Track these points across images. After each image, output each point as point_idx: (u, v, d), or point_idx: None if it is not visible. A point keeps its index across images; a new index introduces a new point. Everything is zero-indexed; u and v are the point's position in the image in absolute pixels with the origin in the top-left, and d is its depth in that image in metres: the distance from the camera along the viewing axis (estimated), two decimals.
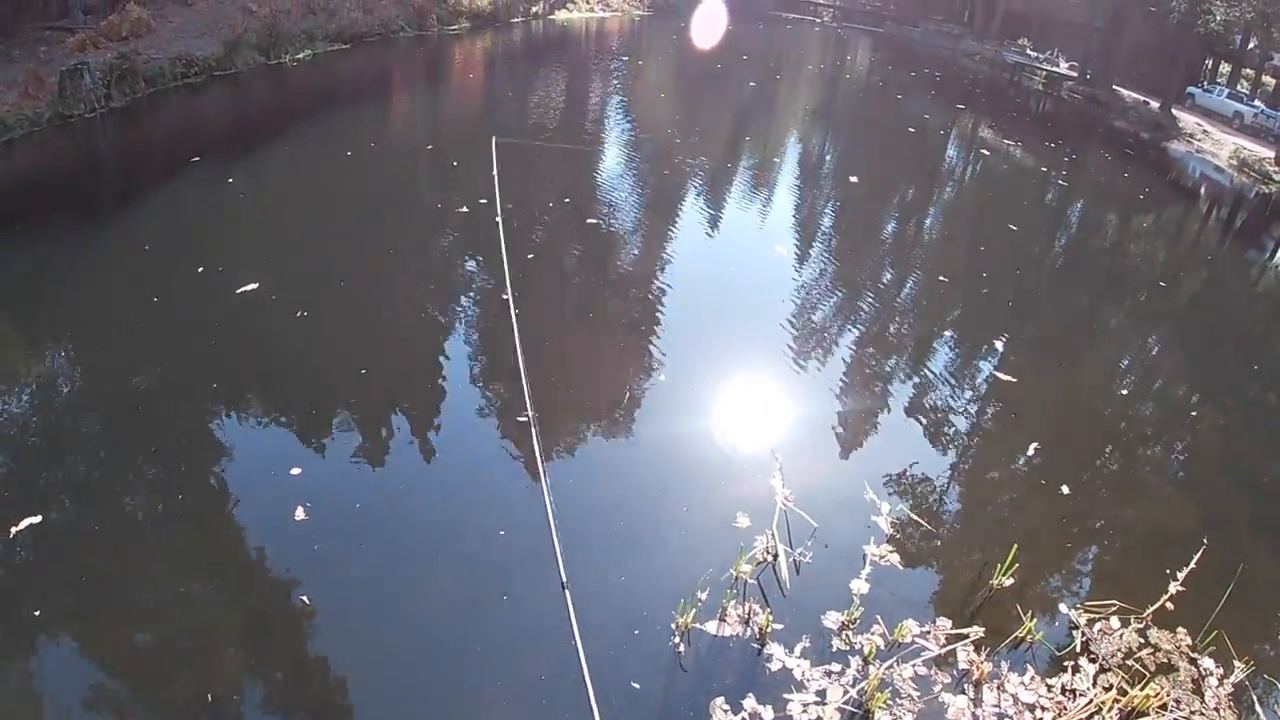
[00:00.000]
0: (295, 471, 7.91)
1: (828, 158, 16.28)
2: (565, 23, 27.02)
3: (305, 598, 6.83)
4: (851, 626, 6.17)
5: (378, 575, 7.04)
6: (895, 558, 6.76)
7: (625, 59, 21.39)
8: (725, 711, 5.78)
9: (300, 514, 7.45)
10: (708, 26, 25.83)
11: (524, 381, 8.70)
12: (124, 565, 7.40)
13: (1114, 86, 28.83)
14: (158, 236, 12.62)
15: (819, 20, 40.82)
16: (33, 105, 16.77)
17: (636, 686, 5.94)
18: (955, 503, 7.55)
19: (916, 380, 9.26)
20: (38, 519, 7.59)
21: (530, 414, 8.28)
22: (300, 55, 21.38)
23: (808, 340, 9.75)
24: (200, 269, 11.06)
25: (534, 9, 31.98)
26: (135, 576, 7.30)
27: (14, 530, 7.49)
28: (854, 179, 13.92)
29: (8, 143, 15.89)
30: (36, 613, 6.98)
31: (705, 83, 20.11)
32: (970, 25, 40.13)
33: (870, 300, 10.61)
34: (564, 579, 6.75)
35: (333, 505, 7.60)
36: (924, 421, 8.60)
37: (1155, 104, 27.45)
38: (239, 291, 10.41)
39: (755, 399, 8.74)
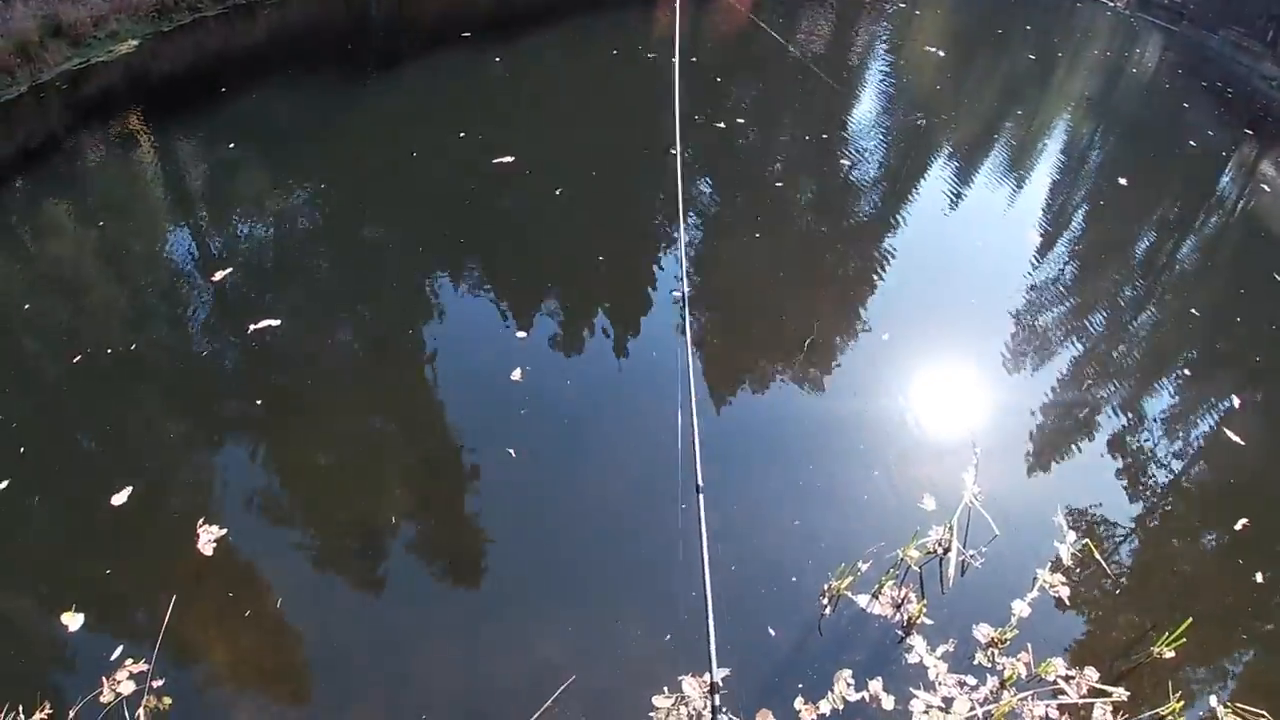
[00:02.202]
0: (521, 335, 8.21)
1: (1097, 152, 14.99)
2: None
3: (498, 453, 6.98)
4: (1000, 645, 5.87)
5: (555, 453, 7.16)
6: (1064, 590, 6.37)
7: (902, 5, 20.19)
8: (849, 685, 5.64)
9: (517, 375, 7.70)
10: None
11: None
12: (335, 388, 7.82)
13: None
14: (422, 99, 13.08)
15: (1113, 3, 37.68)
16: None
17: (772, 632, 5.81)
18: (1139, 556, 6.97)
19: (1132, 414, 8.54)
20: (276, 321, 8.19)
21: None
22: None
23: (1030, 340, 9.14)
24: (461, 134, 11.42)
25: None
26: (342, 400, 7.69)
27: (251, 328, 8.09)
28: (1123, 181, 12.79)
29: None
30: (259, 401, 7.50)
31: (982, 47, 18.81)
32: (1272, 47, 36.32)
33: (1106, 314, 9.80)
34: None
35: (547, 375, 7.90)
36: (1129, 460, 7.95)
37: None
38: (495, 161, 10.71)
39: (964, 384, 8.38)
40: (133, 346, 8.40)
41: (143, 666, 5.77)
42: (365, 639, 5.92)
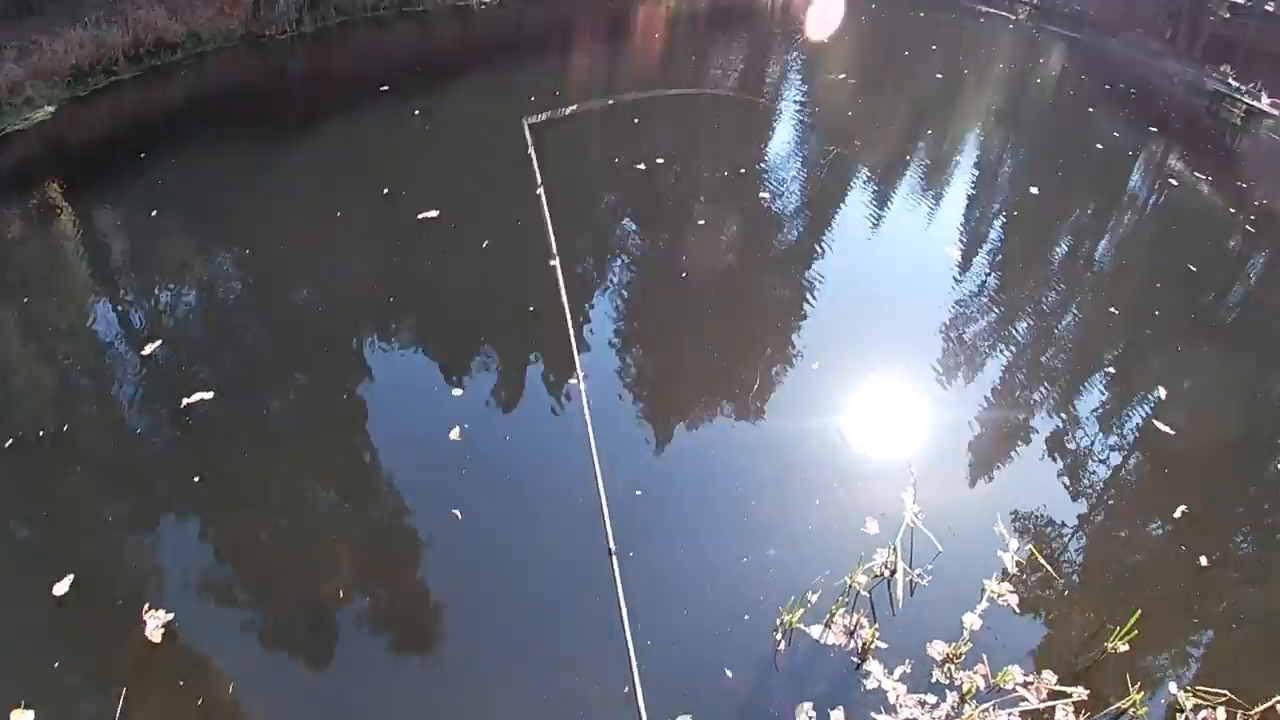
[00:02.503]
0: (456, 393, 8.14)
1: (1008, 163, 15.41)
2: None
3: (443, 516, 6.96)
4: (956, 660, 5.88)
5: (499, 513, 7.09)
6: (1013, 599, 6.41)
7: (812, 37, 20.67)
8: (810, 718, 5.57)
9: (455, 434, 7.62)
10: (896, 11, 24.80)
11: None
12: (275, 459, 7.70)
13: None
14: (344, 156, 13.02)
15: (1014, 16, 38.84)
16: (226, 22, 17.51)
17: (729, 674, 5.78)
18: (1085, 554, 7.05)
19: (1065, 415, 8.69)
20: (209, 395, 8.05)
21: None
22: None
23: (958, 354, 9.28)
24: (385, 191, 11.38)
25: None
26: (282, 472, 7.59)
27: (185, 402, 7.96)
28: (1034, 190, 13.11)
29: (200, 55, 16.58)
30: (196, 478, 7.36)
31: (891, 70, 19.29)
32: (1172, 44, 37.56)
33: (1030, 322, 10.01)
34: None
35: (485, 433, 7.82)
36: (1066, 461, 8.07)
37: None
38: (420, 217, 10.69)
39: (897, 404, 8.43)
40: (65, 427, 8.20)
41: None
42: (319, 718, 5.82)
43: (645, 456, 7.57)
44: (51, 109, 14.74)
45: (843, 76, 18.19)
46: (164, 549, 7.20)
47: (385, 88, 15.27)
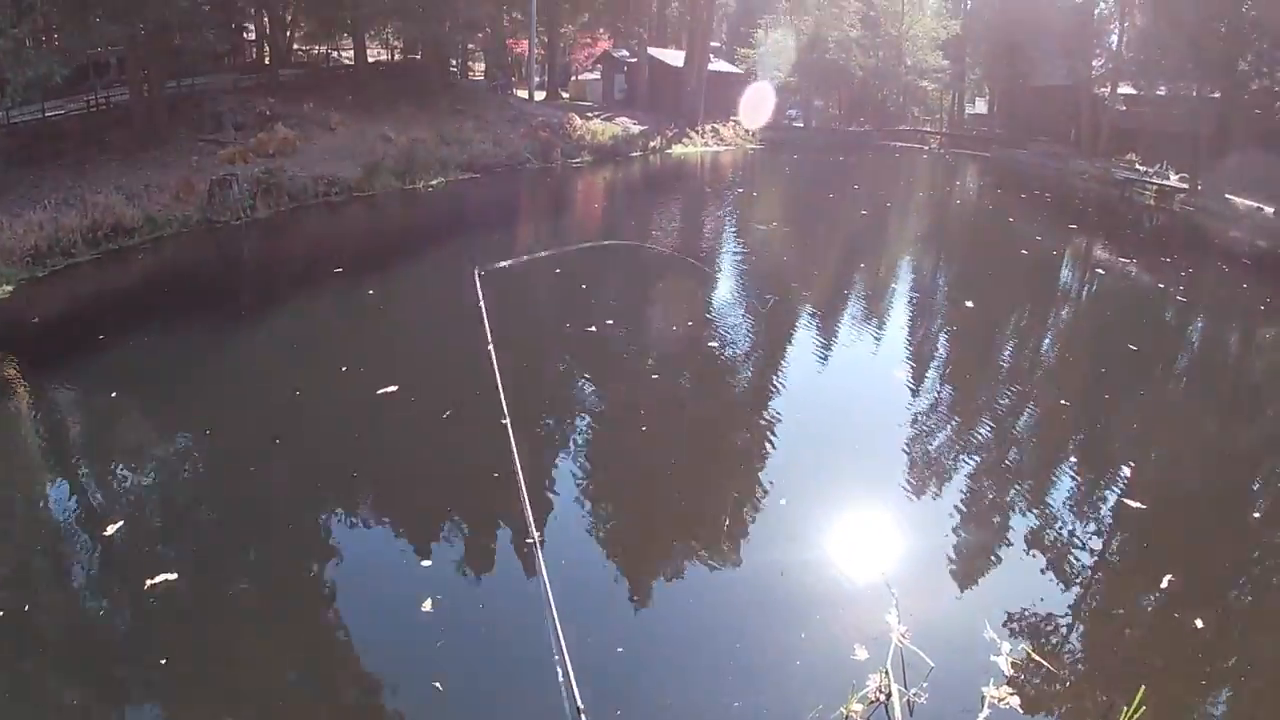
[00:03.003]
0: (426, 563, 8.13)
1: (942, 283, 15.99)
2: (681, 156, 27.69)
3: (422, 688, 6.72)
4: None
5: (480, 683, 7.01)
6: (1015, 700, 6.25)
7: (740, 190, 21.69)
8: None
9: (428, 605, 7.57)
10: (818, 158, 26.10)
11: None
12: (245, 641, 7.59)
13: (1226, 195, 27.66)
14: (301, 337, 13.26)
15: (926, 148, 40.73)
16: (182, 208, 18.20)
17: None
18: (1080, 641, 6.95)
19: (1039, 510, 8.73)
20: (174, 575, 7.97)
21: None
22: (434, 182, 22.47)
23: (924, 468, 9.37)
24: (344, 369, 11.55)
25: (651, 144, 33.02)
26: (254, 654, 7.46)
27: (149, 583, 7.86)
28: (969, 303, 13.56)
29: (157, 239, 17.08)
30: (163, 661, 7.21)
31: (819, 211, 20.18)
32: (1077, 144, 39.49)
33: (988, 427, 10.18)
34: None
35: (459, 601, 7.66)
36: (1047, 554, 8.04)
37: (1270, 209, 26.17)
38: (379, 392, 10.83)
39: (869, 528, 8.37)
40: (25, 608, 8.00)
41: None
42: None
43: (622, 612, 7.50)
44: (9, 289, 14.91)
45: (774, 224, 19.00)
46: None
47: (339, 269, 15.73)
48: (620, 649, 7.04)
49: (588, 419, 10.92)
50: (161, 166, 20.19)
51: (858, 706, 6.21)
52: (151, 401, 11.65)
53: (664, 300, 14.82)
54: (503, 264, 15.70)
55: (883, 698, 6.32)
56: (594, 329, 13.14)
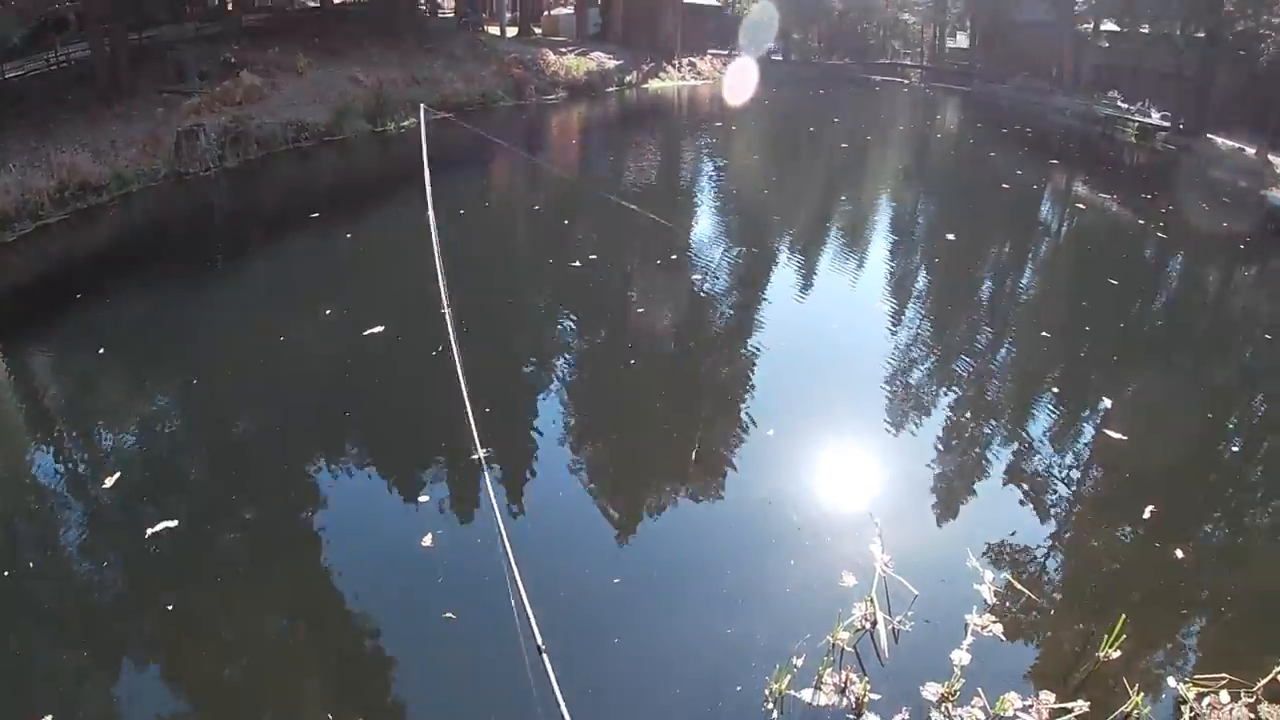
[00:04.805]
0: (423, 499, 8.08)
1: (922, 216, 15.80)
2: (658, 91, 27.20)
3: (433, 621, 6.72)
4: (951, 699, 5.72)
5: (482, 613, 6.95)
6: (998, 628, 6.26)
7: (719, 124, 21.29)
8: None
9: (428, 540, 7.44)
10: (797, 92, 25.65)
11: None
12: (248, 585, 7.54)
13: (1208, 135, 27.53)
14: (281, 283, 13.03)
15: (907, 81, 40.20)
16: (150, 162, 17.73)
17: None
18: (1062, 570, 6.99)
19: (1019, 442, 8.72)
20: (173, 523, 7.91)
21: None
22: (404, 123, 21.91)
23: (906, 401, 9.33)
24: (327, 311, 11.37)
25: (627, 79, 32.36)
26: (259, 597, 7.42)
27: (149, 530, 7.81)
28: (951, 236, 13.39)
29: (126, 195, 16.69)
30: (169, 607, 7.18)
31: (798, 145, 19.86)
32: (1059, 80, 39.12)
33: (969, 359, 10.11)
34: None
35: (458, 536, 7.67)
36: (1028, 485, 8.06)
37: (1251, 150, 26.07)
38: (366, 333, 10.68)
39: (854, 459, 8.34)
40: (30, 564, 7.97)
41: None
42: None
43: (608, 544, 7.48)
44: None
45: (754, 158, 18.71)
46: (141, 681, 6.95)
47: (315, 214, 15.40)
48: (616, 580, 7.01)
49: (573, 353, 10.79)
50: (127, 121, 19.60)
51: (845, 634, 6.20)
52: (136, 355, 11.45)
53: (645, 236, 14.57)
54: (483, 202, 15.40)
55: (869, 625, 6.32)
56: (577, 264, 12.93)
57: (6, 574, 8.00)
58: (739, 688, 6.02)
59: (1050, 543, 7.26)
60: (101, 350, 11.45)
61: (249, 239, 15.28)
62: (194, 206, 17.52)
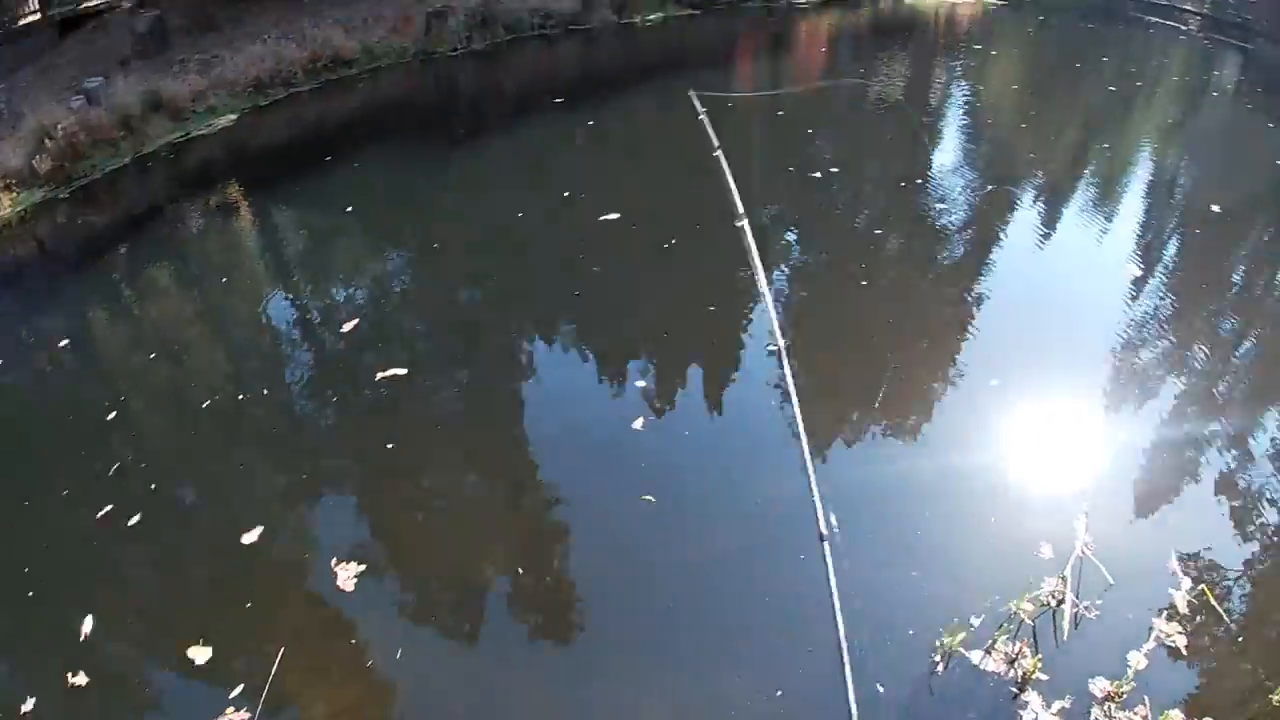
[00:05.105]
0: (640, 384, 8.33)
1: (1185, 180, 14.36)
2: (914, 6, 25.46)
3: (629, 500, 7.26)
4: (1116, 699, 5.69)
5: (677, 503, 7.14)
6: (1181, 640, 6.11)
7: (977, 48, 19.87)
8: None
9: (639, 424, 7.97)
10: (1064, 22, 23.60)
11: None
12: (464, 430, 8.07)
13: None
14: (523, 163, 13.45)
15: (1183, 27, 36.29)
16: (399, 40, 18.42)
17: (880, 690, 5.67)
18: (1257, 600, 6.59)
19: (1244, 451, 8.13)
20: (402, 370, 8.56)
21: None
22: (651, 17, 21.45)
23: (1132, 379, 8.82)
24: (565, 194, 11.67)
25: None
26: (471, 440, 7.92)
27: (380, 375, 8.48)
28: (1215, 208, 12.17)
29: (374, 70, 17.41)
30: (389, 445, 7.81)
31: (1062, 82, 18.37)
32: None
33: (1206, 349, 9.36)
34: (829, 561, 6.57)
35: (668, 424, 8.13)
36: (1246, 501, 7.56)
37: None
38: (601, 219, 10.92)
39: (1071, 428, 8.04)
40: (265, 392, 8.78)
41: (244, 715, 5.94)
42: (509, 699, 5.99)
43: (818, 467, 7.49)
44: (234, 116, 15.79)
45: (1014, 88, 17.47)
46: (352, 508, 7.57)
47: (558, 100, 15.54)
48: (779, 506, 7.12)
49: (793, 265, 10.64)
50: (378, 1, 19.93)
51: (1028, 605, 6.14)
52: (382, 216, 12.18)
53: (887, 154, 13.96)
54: (726, 102, 15.03)
55: (1054, 603, 6.22)
56: (817, 174, 12.56)
57: (241, 398, 8.78)
58: (911, 632, 6.03)
59: (1247, 569, 6.84)
60: (349, 209, 12.09)
61: (491, 118, 15.71)
62: (440, 85, 18.12)
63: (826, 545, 6.39)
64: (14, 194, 13.63)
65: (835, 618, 6.08)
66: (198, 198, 13.76)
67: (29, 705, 6.43)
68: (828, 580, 6.26)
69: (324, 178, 13.47)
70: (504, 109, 16.52)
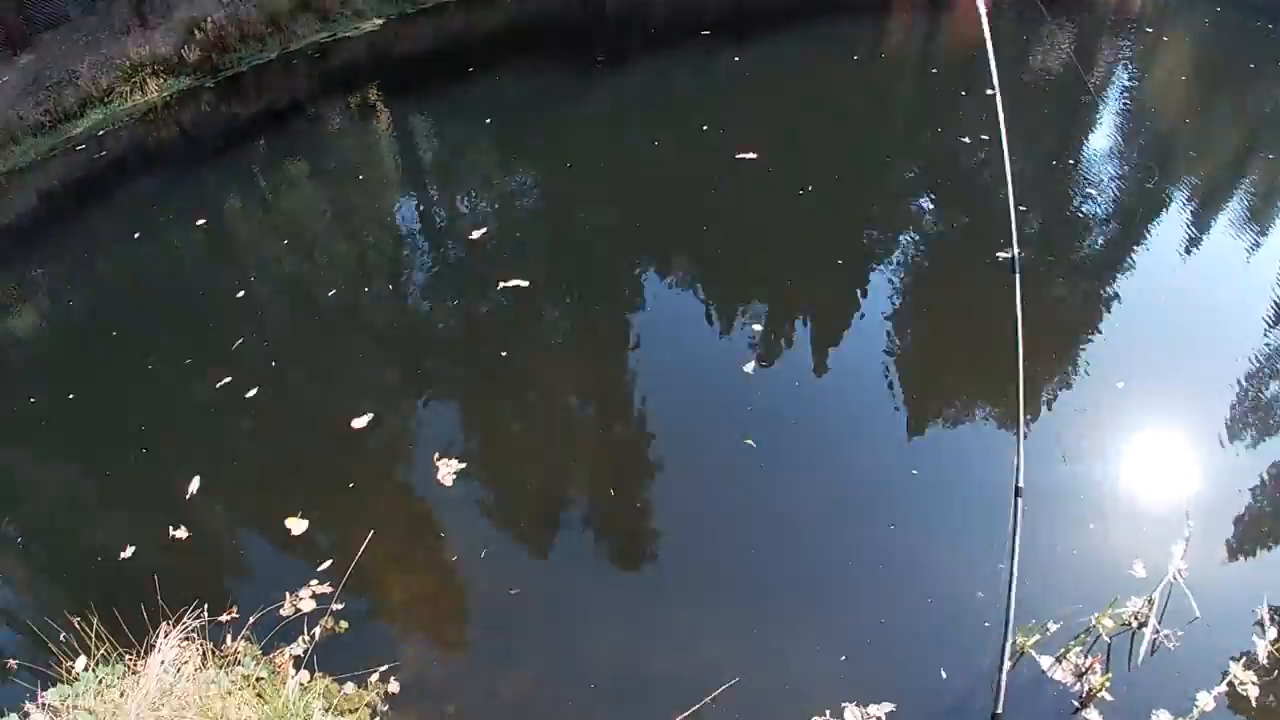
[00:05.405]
0: (756, 328, 8.27)
1: None
2: None
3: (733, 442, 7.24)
4: None
5: (779, 450, 7.04)
6: (1253, 690, 5.86)
7: (1149, 30, 18.49)
8: None
9: (750, 368, 7.97)
10: (1240, 14, 21.79)
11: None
12: (576, 349, 8.12)
13: None
14: (661, 91, 13.28)
15: None
16: None
17: (943, 675, 5.55)
18: None
19: None
20: (524, 282, 8.62)
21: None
22: None
23: (1255, 409, 8.26)
24: (704, 127, 11.48)
25: None
26: (582, 360, 7.97)
27: (501, 284, 8.53)
28: None
29: None
30: (503, 353, 7.90)
31: (1232, 78, 16.96)
32: None
33: None
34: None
35: (779, 371, 8.14)
36: None
37: None
38: (737, 156, 10.74)
39: (1188, 447, 7.70)
40: (390, 288, 8.96)
41: (327, 588, 6.11)
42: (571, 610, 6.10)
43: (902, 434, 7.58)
44: (380, 21, 15.78)
45: (1182, 79, 16.28)
46: (459, 409, 7.70)
47: (705, 32, 15.04)
48: (914, 471, 7.24)
49: (924, 235, 10.19)
50: None
51: (1109, 622, 5.97)
52: (520, 130, 12.19)
53: (1032, 132, 13.14)
54: (880, 52, 14.34)
55: (1135, 624, 5.98)
56: (966, 139, 11.92)
57: (366, 290, 8.90)
58: (987, 624, 5.89)
59: None
60: (489, 120, 12.02)
61: (634, 46, 15.36)
62: (587, 6, 17.60)
63: (1020, 501, 6.19)
64: (161, 80, 14.06)
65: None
66: (339, 97, 13.99)
67: (128, 553, 6.74)
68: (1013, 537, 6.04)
69: (465, 89, 13.53)
70: (649, 36, 16.14)
